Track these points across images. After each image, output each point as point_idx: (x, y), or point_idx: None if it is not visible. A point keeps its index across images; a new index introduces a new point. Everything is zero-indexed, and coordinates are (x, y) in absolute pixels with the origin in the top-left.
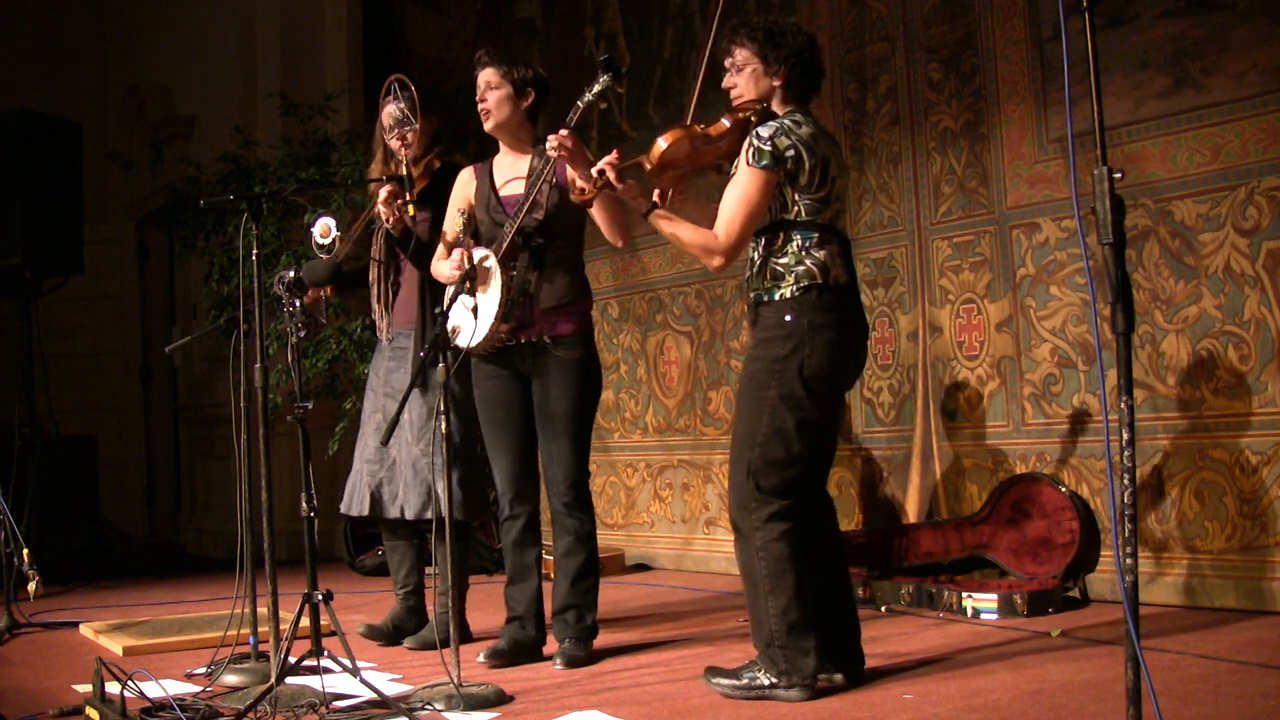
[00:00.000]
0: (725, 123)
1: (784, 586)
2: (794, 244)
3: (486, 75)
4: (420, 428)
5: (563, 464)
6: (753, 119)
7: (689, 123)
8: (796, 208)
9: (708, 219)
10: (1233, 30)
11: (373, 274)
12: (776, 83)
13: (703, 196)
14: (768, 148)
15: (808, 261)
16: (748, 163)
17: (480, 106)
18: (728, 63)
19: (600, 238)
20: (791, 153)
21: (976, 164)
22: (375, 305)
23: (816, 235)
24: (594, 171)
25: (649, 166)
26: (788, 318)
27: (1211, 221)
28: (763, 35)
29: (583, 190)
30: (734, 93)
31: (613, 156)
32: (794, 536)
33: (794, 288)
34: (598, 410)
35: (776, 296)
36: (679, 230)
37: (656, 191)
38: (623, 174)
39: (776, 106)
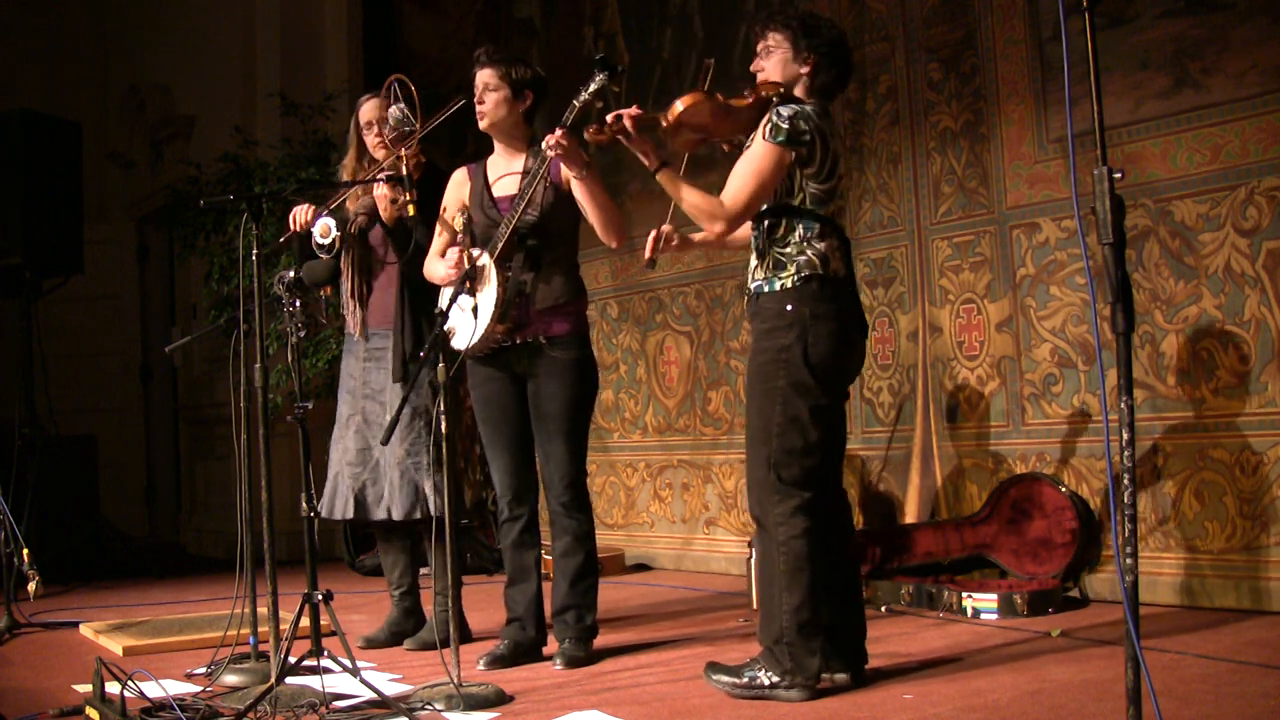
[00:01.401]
0: (747, 97)
1: (800, 584)
2: (796, 233)
3: (485, 76)
4: (404, 428)
5: (560, 464)
6: (774, 99)
7: (708, 89)
8: (803, 194)
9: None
10: (1233, 30)
11: (344, 263)
12: (804, 70)
13: (701, 182)
14: (785, 125)
15: (809, 252)
16: (764, 138)
17: (477, 107)
18: (760, 47)
19: (598, 238)
20: (808, 137)
21: (976, 164)
22: (349, 300)
23: (819, 226)
24: (609, 118)
25: (665, 124)
26: (789, 307)
27: (1211, 221)
28: (797, 22)
29: (598, 129)
30: (760, 76)
31: (633, 109)
32: (815, 535)
33: (795, 277)
34: (596, 410)
35: (777, 286)
36: (684, 192)
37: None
38: (639, 128)
39: (800, 95)
